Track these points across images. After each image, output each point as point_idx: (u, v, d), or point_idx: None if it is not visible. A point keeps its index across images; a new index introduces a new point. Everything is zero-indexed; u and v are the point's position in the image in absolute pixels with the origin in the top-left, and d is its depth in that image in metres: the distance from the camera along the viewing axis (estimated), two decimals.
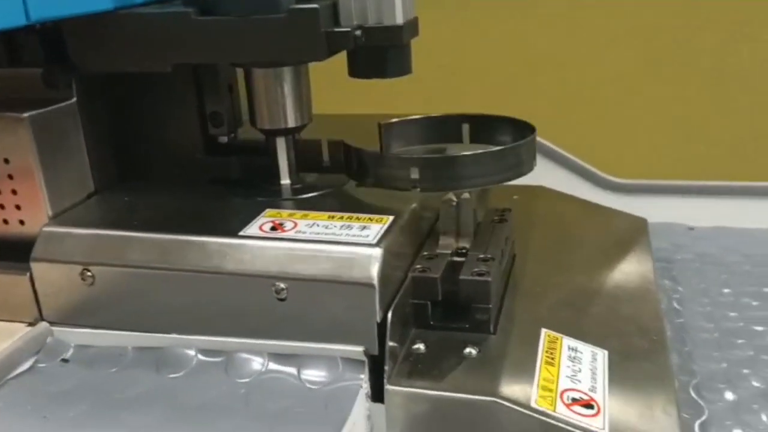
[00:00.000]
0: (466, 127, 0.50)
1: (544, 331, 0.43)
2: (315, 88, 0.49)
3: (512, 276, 0.49)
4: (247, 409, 0.38)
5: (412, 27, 0.45)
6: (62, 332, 0.44)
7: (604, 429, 0.36)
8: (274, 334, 0.41)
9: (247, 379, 0.40)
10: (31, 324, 0.44)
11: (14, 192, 0.45)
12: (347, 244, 0.41)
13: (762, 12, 0.70)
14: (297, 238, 0.41)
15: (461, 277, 0.42)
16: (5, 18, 0.36)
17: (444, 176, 0.43)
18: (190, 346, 0.42)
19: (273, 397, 0.39)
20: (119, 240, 0.43)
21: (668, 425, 0.37)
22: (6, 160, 0.44)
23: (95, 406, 0.39)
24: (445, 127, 0.51)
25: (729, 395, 0.47)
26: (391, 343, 0.39)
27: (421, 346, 0.41)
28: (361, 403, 0.39)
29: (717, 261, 0.65)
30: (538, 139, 0.47)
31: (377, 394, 0.39)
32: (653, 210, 0.66)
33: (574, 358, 0.41)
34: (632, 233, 0.59)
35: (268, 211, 0.45)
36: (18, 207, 0.45)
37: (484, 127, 0.50)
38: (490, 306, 0.42)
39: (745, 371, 0.49)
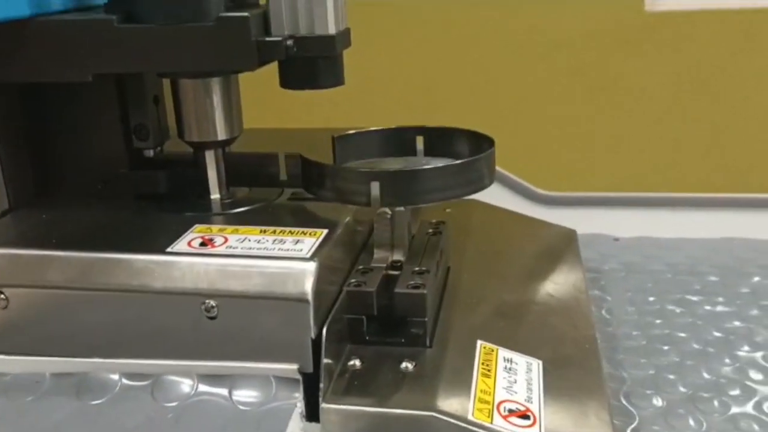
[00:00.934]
0: (420, 140, 0.50)
1: (479, 343, 0.43)
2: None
3: (447, 288, 0.49)
4: None
5: (344, 37, 0.44)
6: None
7: None
8: (204, 355, 0.39)
9: (175, 403, 0.38)
10: None
11: None
12: (280, 258, 0.39)
13: (673, 27, 0.73)
14: (227, 253, 0.40)
15: (396, 290, 0.41)
16: None
17: (407, 191, 0.42)
18: (114, 371, 0.40)
19: (203, 421, 0.37)
20: (35, 259, 0.41)
21: None
22: None
23: None
24: (398, 140, 0.50)
25: (657, 401, 0.48)
26: (326, 360, 0.38)
27: (356, 362, 0.40)
28: (296, 423, 0.38)
29: (642, 270, 0.67)
30: None
31: (312, 413, 0.38)
32: (581, 221, 0.68)
33: (510, 369, 0.41)
34: (562, 244, 0.60)
35: (197, 227, 0.43)
36: None
37: (440, 139, 0.50)
38: (426, 319, 0.41)
39: (672, 377, 0.51)
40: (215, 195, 0.48)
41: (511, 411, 0.38)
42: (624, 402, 0.48)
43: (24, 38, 0.41)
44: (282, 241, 0.41)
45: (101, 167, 0.48)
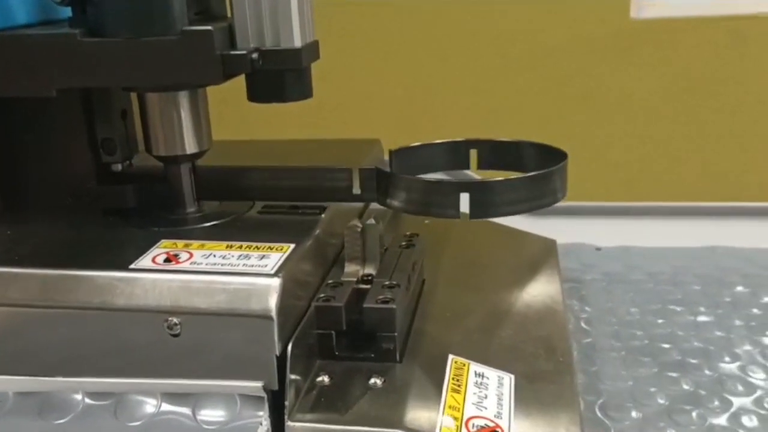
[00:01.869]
0: (473, 153, 0.51)
1: (451, 357, 0.42)
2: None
3: (421, 301, 0.49)
4: None
5: (311, 50, 0.44)
6: None
7: None
8: (168, 373, 0.38)
9: (138, 422, 0.38)
10: None
11: None
12: (244, 274, 0.39)
13: (658, 35, 0.73)
14: (191, 269, 0.39)
15: (365, 305, 0.41)
16: None
17: (495, 202, 0.43)
18: (77, 389, 0.39)
19: None
20: None
21: None
22: None
23: None
24: (454, 153, 0.52)
25: (635, 413, 0.47)
26: (292, 376, 0.37)
27: (325, 378, 0.40)
28: None
29: (623, 280, 0.66)
30: None
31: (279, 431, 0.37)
32: (563, 231, 0.67)
33: (481, 384, 0.40)
34: (542, 255, 0.59)
35: (163, 242, 0.43)
36: None
37: (499, 152, 0.51)
38: (396, 334, 0.41)
39: (652, 389, 0.50)
40: (184, 209, 0.47)
41: (480, 427, 0.37)
42: (599, 414, 0.47)
43: None
44: (248, 257, 0.40)
45: (69, 182, 0.48)
